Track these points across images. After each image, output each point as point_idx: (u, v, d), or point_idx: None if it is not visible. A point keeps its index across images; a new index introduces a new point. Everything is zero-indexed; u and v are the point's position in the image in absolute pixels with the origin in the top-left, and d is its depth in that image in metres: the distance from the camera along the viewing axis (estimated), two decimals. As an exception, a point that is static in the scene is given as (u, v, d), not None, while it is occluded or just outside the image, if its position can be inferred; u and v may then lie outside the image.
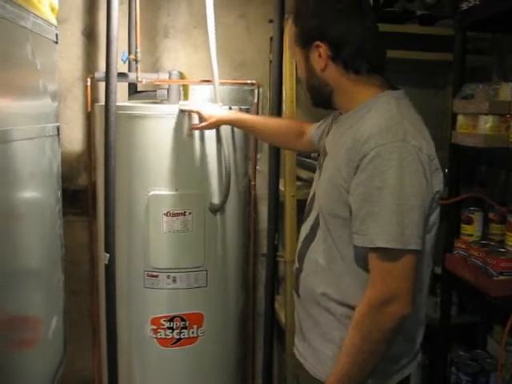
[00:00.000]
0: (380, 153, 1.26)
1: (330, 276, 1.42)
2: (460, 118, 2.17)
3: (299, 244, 1.56)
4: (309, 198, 1.58)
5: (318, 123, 1.78)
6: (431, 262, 1.46)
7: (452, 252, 2.23)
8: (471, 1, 2.17)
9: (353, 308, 1.36)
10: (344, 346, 1.35)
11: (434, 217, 1.38)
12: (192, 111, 2.08)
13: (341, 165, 1.35)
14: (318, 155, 1.63)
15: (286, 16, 1.58)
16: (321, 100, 1.51)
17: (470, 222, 2.20)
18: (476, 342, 2.61)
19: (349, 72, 1.41)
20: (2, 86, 1.40)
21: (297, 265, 1.55)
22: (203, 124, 2.05)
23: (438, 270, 2.41)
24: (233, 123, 2.07)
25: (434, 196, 1.35)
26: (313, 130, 1.80)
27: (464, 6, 2.19)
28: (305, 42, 1.44)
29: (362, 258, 1.35)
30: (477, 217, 2.20)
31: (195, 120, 2.11)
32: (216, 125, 2.07)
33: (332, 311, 1.43)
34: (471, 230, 2.19)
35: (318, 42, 1.40)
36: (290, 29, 1.50)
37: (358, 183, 1.30)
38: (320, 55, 1.41)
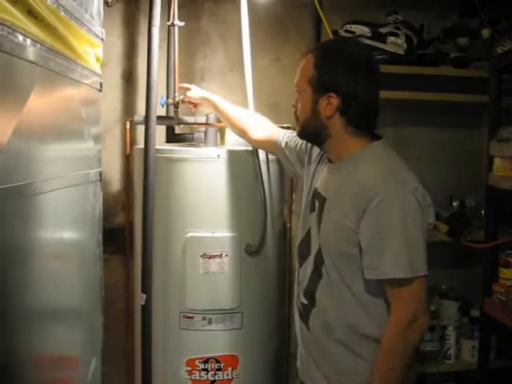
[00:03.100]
0: (385, 197, 1.47)
1: (340, 307, 1.60)
2: (497, 161, 2.17)
3: (305, 281, 1.70)
4: (302, 235, 1.76)
5: (293, 138, 1.94)
6: None
7: (491, 296, 2.20)
8: (506, 44, 2.19)
9: (362, 335, 1.57)
10: (378, 373, 1.52)
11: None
12: (184, 88, 2.30)
13: (348, 210, 1.53)
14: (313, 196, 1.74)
15: (307, 51, 1.69)
16: (312, 138, 1.69)
17: (508, 265, 2.18)
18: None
19: (350, 126, 1.58)
20: (50, 136, 1.45)
21: (304, 301, 1.70)
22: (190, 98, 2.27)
23: (476, 313, 2.38)
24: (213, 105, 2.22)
25: (428, 227, 1.56)
26: (285, 139, 1.96)
27: (499, 50, 2.21)
28: (320, 88, 1.57)
29: (369, 289, 1.55)
30: (515, 260, 2.17)
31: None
32: (200, 100, 2.26)
33: (346, 341, 1.60)
34: (510, 274, 2.17)
35: (332, 94, 1.55)
36: (307, 63, 1.61)
37: (367, 224, 1.50)
38: (329, 104, 1.56)
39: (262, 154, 2.21)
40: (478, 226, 2.49)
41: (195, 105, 2.31)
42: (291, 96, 2.80)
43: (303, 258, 1.74)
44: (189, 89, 2.27)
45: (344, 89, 1.54)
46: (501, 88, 2.29)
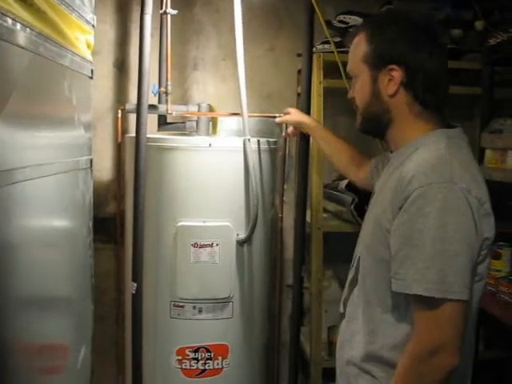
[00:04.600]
0: (423, 193, 1.20)
1: (366, 324, 1.37)
2: (488, 153, 2.18)
3: (345, 288, 1.50)
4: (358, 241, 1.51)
5: (376, 160, 1.73)
6: (475, 314, 1.35)
7: (480, 287, 2.21)
8: (499, 37, 2.19)
9: (381, 360, 1.32)
10: None
11: (484, 267, 1.29)
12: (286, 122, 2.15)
13: (386, 205, 1.30)
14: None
15: (356, 30, 1.47)
16: (374, 127, 1.44)
17: (498, 257, 2.19)
18: (504, 379, 2.57)
19: (416, 104, 1.35)
20: (39, 122, 1.44)
21: (341, 310, 1.50)
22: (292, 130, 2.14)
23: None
24: (312, 131, 2.05)
25: (483, 243, 1.25)
26: (372, 166, 1.74)
27: (492, 41, 2.21)
28: (380, 62, 1.35)
29: (399, 306, 1.29)
30: (505, 252, 2.19)
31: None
32: (298, 124, 2.09)
33: (361, 365, 1.38)
34: (499, 266, 2.18)
35: (393, 66, 1.33)
36: (358, 45, 1.41)
37: (399, 224, 1.24)
38: (391, 80, 1.34)
39: (253, 143, 2.21)
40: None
41: (293, 133, 2.16)
42: (285, 86, 2.83)
43: (352, 263, 1.51)
44: (288, 113, 2.10)
45: (406, 58, 1.32)
46: (493, 80, 2.29)
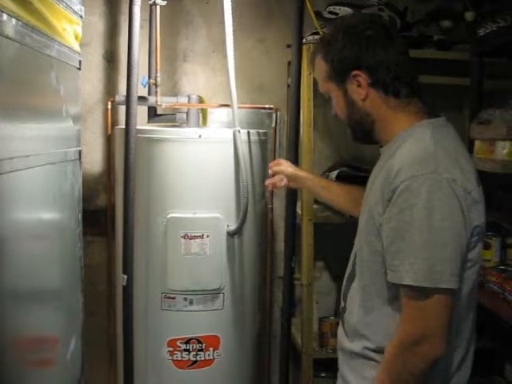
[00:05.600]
0: (409, 186, 1.23)
1: (365, 316, 1.39)
2: (477, 143, 2.18)
3: (344, 282, 1.52)
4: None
5: None
6: (473, 304, 1.38)
7: (469, 277, 2.22)
8: (488, 27, 2.19)
9: (381, 350, 1.33)
10: None
11: (475, 253, 1.31)
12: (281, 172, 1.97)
13: (378, 199, 1.32)
14: None
15: (312, 55, 1.51)
16: (362, 133, 1.47)
17: (487, 247, 2.20)
18: (493, 368, 2.58)
19: (389, 97, 1.38)
20: (27, 113, 1.43)
21: (342, 304, 1.51)
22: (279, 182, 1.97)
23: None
24: (310, 182, 1.97)
25: (473, 231, 1.28)
26: None
27: (481, 32, 2.21)
28: (341, 74, 1.40)
29: (396, 297, 1.30)
30: (494, 242, 2.20)
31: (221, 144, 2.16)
32: (293, 176, 1.96)
33: (365, 353, 1.39)
34: (489, 256, 2.19)
35: (355, 71, 1.37)
36: (319, 67, 1.46)
37: (388, 217, 1.27)
38: (359, 84, 1.38)
39: (243, 134, 2.21)
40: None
41: (279, 185, 2.00)
42: (275, 77, 2.83)
43: (350, 257, 1.52)
44: (279, 164, 2.00)
45: (362, 60, 1.37)
46: (483, 71, 2.29)
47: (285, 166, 1.97)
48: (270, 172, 2.01)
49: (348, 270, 1.49)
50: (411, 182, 1.23)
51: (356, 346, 1.42)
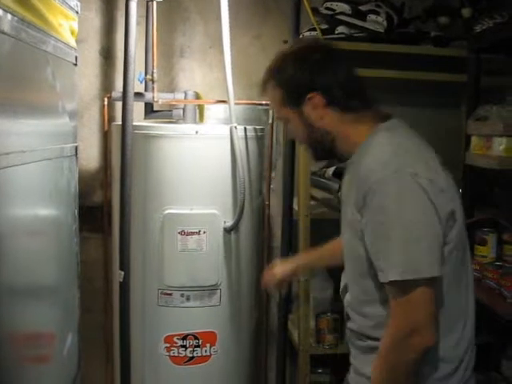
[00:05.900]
0: (377, 189, 1.28)
1: (362, 311, 1.44)
2: (474, 140, 2.18)
3: (342, 281, 1.58)
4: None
5: None
6: (466, 278, 1.43)
7: (466, 273, 2.22)
8: (485, 23, 2.18)
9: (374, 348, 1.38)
10: (372, 378, 1.37)
11: (453, 234, 1.35)
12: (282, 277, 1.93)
13: (354, 207, 1.36)
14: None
15: (263, 84, 1.53)
16: (323, 151, 1.52)
17: (483, 243, 2.20)
18: (489, 364, 2.59)
19: (346, 113, 1.43)
20: (23, 108, 1.43)
21: (342, 297, 1.56)
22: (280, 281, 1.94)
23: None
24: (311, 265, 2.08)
25: (449, 216, 1.32)
26: None
27: (478, 28, 2.21)
28: (296, 98, 1.44)
29: (387, 297, 1.34)
30: (491, 238, 2.19)
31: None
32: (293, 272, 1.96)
33: (364, 345, 1.45)
34: (485, 252, 2.19)
35: (310, 94, 1.41)
36: (272, 95, 1.49)
37: (365, 222, 1.32)
38: (315, 106, 1.42)
39: (240, 130, 2.21)
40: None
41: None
42: (272, 74, 2.82)
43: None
44: (271, 273, 1.94)
45: (314, 82, 1.41)
46: (480, 67, 2.29)
47: (282, 269, 1.92)
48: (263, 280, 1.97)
49: (345, 269, 1.53)
50: (378, 184, 1.29)
51: (368, 344, 1.44)
